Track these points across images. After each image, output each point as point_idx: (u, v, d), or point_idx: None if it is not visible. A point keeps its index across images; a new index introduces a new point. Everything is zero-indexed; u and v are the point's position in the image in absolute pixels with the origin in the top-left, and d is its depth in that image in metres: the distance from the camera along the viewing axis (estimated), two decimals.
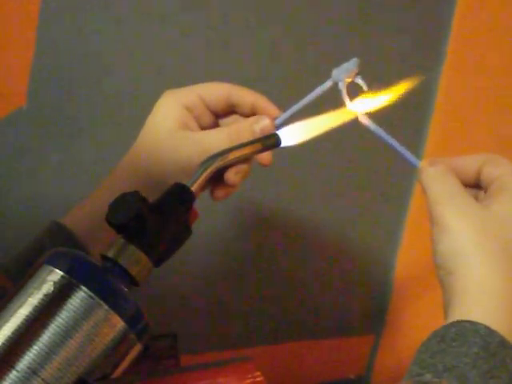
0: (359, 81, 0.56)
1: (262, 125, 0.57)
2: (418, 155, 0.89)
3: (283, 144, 0.56)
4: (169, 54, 0.83)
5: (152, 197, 0.47)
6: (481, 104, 1.02)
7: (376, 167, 0.98)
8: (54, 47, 0.77)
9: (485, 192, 0.52)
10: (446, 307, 0.49)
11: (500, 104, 1.03)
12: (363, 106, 0.56)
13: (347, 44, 0.91)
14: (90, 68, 0.79)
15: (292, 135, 0.56)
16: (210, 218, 0.89)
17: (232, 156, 0.53)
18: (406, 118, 0.97)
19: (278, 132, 0.55)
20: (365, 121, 0.56)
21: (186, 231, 0.49)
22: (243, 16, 0.85)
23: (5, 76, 0.76)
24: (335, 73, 0.56)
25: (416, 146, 1.00)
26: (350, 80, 0.56)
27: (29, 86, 0.77)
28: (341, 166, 0.98)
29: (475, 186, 0.53)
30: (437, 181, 0.51)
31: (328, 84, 0.57)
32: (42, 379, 0.41)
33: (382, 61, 0.92)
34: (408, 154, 0.55)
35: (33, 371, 0.41)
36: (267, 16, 0.86)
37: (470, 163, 0.53)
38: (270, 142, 0.55)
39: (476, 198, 0.52)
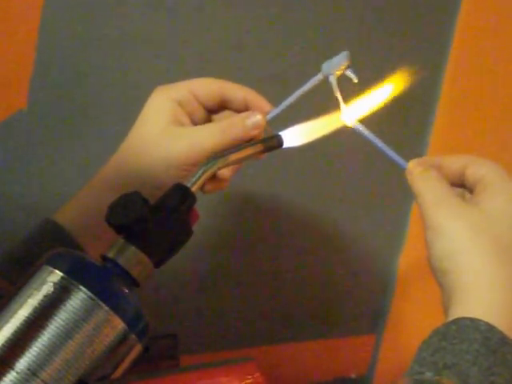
0: (350, 74, 0.55)
1: (253, 120, 0.57)
2: (422, 154, 0.89)
3: (285, 146, 0.56)
4: (168, 54, 0.83)
5: (142, 193, 0.47)
6: (485, 102, 1.02)
7: (379, 166, 0.98)
8: (55, 50, 0.77)
9: (470, 193, 0.53)
10: (445, 307, 0.49)
11: (505, 101, 1.03)
12: (357, 107, 0.55)
13: (345, 38, 0.90)
14: (91, 70, 0.79)
15: (294, 137, 0.56)
16: (209, 217, 0.89)
17: (233, 158, 0.53)
18: (409, 116, 0.97)
19: (279, 133, 0.55)
20: (351, 123, 0.55)
21: (186, 232, 0.49)
22: (234, 11, 0.85)
23: (5, 78, 0.75)
24: (325, 66, 0.56)
25: (419, 146, 1.00)
26: (340, 73, 0.56)
27: (29, 89, 0.77)
28: (344, 166, 0.98)
29: (458, 185, 0.54)
30: (427, 185, 0.52)
31: (318, 78, 0.56)
32: (42, 380, 0.41)
33: (382, 57, 0.92)
34: (395, 156, 0.55)
35: (32, 372, 0.41)
36: (259, 10, 0.86)
37: (453, 163, 0.54)
38: (272, 143, 0.55)
39: (462, 197, 0.53)
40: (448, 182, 0.52)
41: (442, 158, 0.54)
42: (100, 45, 0.79)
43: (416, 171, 0.53)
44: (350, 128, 0.56)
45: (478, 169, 0.52)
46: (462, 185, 0.54)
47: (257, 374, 0.52)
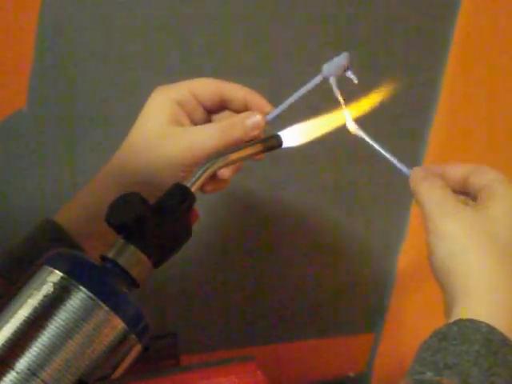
0: (350, 75, 0.56)
1: (253, 120, 0.57)
2: (419, 159, 0.89)
3: (284, 145, 0.56)
4: (168, 54, 0.83)
5: (142, 193, 0.47)
6: (484, 106, 1.02)
7: (378, 165, 0.98)
8: (53, 48, 0.77)
9: (473, 200, 0.53)
10: (447, 309, 0.49)
11: (503, 107, 1.03)
12: (355, 111, 0.56)
13: (344, 40, 0.90)
14: (90, 69, 0.79)
15: (293, 136, 0.56)
16: (209, 217, 0.89)
17: (232, 157, 0.53)
18: (407, 119, 0.97)
19: (278, 133, 0.55)
20: (355, 130, 0.56)
21: (186, 232, 0.49)
22: (235, 11, 0.85)
23: (5, 78, 0.75)
24: (326, 67, 0.56)
25: (417, 150, 1.00)
26: (340, 74, 0.56)
27: (29, 88, 0.77)
28: (342, 164, 0.98)
29: (461, 192, 0.54)
30: (430, 193, 0.52)
31: (318, 79, 0.57)
32: (42, 380, 0.41)
33: (383, 58, 0.92)
34: (398, 163, 0.56)
35: (32, 372, 0.41)
36: (260, 10, 0.86)
37: (456, 171, 0.54)
38: (271, 143, 0.55)
39: (465, 204, 0.53)
40: (451, 189, 0.53)
41: (445, 166, 0.55)
42: (99, 43, 0.79)
43: (419, 177, 0.53)
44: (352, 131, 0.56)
45: (482, 177, 0.52)
46: (464, 193, 0.54)
47: (257, 373, 0.52)
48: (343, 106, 0.55)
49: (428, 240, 0.51)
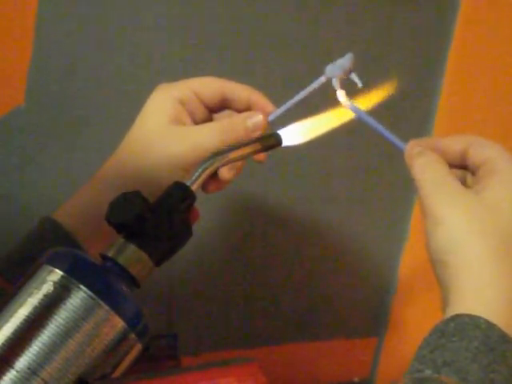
0: (354, 78, 0.55)
1: (254, 120, 0.57)
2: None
3: (283, 144, 0.55)
4: (169, 53, 0.83)
5: (143, 192, 0.47)
6: (489, 92, 1.01)
7: (380, 165, 0.98)
8: (52, 45, 0.77)
9: (472, 174, 0.51)
10: (443, 301, 0.48)
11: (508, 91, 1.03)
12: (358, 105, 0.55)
13: (345, 33, 0.90)
14: (89, 66, 0.79)
15: (292, 135, 0.56)
16: (209, 218, 0.89)
17: (232, 156, 0.53)
18: (412, 106, 0.96)
19: (278, 132, 0.55)
20: (347, 104, 0.54)
21: (186, 231, 0.49)
22: (237, 13, 0.85)
23: (2, 74, 0.76)
24: (329, 69, 0.56)
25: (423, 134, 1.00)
26: (344, 76, 0.55)
27: (27, 85, 0.77)
28: (343, 165, 0.98)
29: (460, 166, 0.52)
30: (425, 169, 0.50)
31: (322, 80, 0.56)
32: (42, 379, 0.41)
33: (383, 50, 0.92)
34: (393, 138, 0.53)
35: (32, 371, 0.41)
36: (260, 11, 0.86)
37: (455, 144, 0.52)
38: (270, 141, 0.55)
39: (463, 180, 0.51)
40: (448, 163, 0.51)
41: (442, 139, 0.52)
42: (99, 41, 0.79)
43: (414, 152, 0.51)
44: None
45: (482, 150, 0.50)
46: (463, 166, 0.52)
47: (258, 375, 0.52)
48: (343, 103, 0.54)
49: (425, 224, 0.49)
